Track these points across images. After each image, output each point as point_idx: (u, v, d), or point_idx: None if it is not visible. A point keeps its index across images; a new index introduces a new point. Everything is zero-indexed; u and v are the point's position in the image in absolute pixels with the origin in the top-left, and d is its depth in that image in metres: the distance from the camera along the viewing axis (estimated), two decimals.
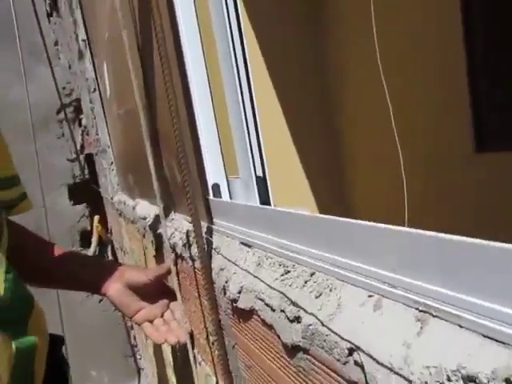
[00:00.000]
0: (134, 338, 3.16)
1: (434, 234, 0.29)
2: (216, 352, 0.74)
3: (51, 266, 0.89)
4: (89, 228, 2.78)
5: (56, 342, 0.79)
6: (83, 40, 1.80)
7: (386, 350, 0.30)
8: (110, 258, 2.87)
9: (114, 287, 0.88)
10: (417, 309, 0.30)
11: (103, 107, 1.77)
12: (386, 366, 0.30)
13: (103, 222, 2.77)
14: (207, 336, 0.79)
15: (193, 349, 0.95)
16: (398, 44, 1.08)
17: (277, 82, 0.97)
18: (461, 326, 0.27)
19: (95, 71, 1.73)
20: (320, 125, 0.99)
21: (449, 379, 0.25)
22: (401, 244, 0.32)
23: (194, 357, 0.96)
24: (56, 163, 2.53)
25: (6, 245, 0.70)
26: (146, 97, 0.92)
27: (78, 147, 2.62)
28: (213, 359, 0.78)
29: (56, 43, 2.49)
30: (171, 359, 1.41)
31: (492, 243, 0.25)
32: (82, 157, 2.66)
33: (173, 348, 1.34)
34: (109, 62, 1.40)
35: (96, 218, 2.76)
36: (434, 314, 0.29)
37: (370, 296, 0.35)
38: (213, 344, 0.77)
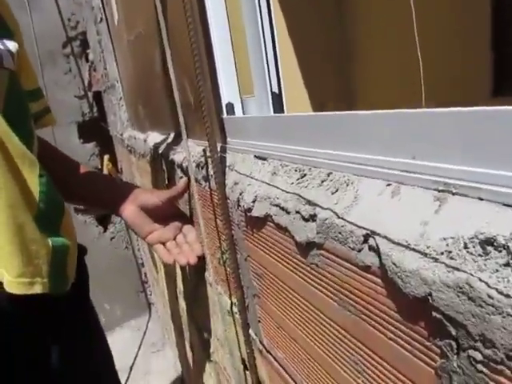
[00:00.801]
0: (145, 275, 3.27)
1: (451, 109, 0.29)
2: (228, 269, 0.77)
3: (74, 183, 0.91)
4: (99, 167, 2.80)
5: (80, 251, 0.82)
6: None
7: (402, 230, 0.31)
8: None
9: (128, 209, 0.90)
10: (436, 189, 0.30)
11: (111, 38, 1.72)
12: (401, 244, 0.30)
13: (113, 161, 2.79)
14: (221, 255, 0.81)
15: (205, 271, 0.98)
16: None
17: None
18: (480, 199, 0.27)
19: None
20: (337, 40, 0.96)
21: (466, 246, 0.26)
22: (420, 127, 0.31)
23: (206, 279, 0.99)
24: (65, 99, 2.51)
25: (36, 150, 0.72)
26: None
27: (86, 84, 2.58)
28: (227, 277, 0.81)
29: None
30: (182, 287, 1.47)
31: (507, 108, 0.25)
32: (90, 94, 2.62)
33: (183, 275, 1.39)
34: None
35: (106, 156, 2.77)
36: (454, 191, 0.29)
37: (387, 185, 0.35)
38: (225, 262, 0.79)
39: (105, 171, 2.75)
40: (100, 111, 2.71)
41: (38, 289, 0.66)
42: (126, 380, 2.49)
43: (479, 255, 0.25)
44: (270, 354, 0.67)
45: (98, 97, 2.65)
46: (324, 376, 0.49)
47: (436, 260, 0.27)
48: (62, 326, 0.82)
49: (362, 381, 0.40)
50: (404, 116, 0.33)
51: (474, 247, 0.25)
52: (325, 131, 0.44)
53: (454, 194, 0.29)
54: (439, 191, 0.30)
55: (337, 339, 0.44)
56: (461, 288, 0.25)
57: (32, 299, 0.66)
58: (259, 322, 0.68)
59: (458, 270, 0.26)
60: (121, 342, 2.89)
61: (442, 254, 0.27)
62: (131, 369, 2.63)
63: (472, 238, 0.26)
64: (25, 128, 0.71)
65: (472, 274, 0.25)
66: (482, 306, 0.24)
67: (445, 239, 0.27)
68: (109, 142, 2.73)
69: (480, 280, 0.24)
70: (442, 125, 0.30)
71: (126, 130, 2.03)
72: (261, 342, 0.70)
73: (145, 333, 3.08)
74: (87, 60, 2.53)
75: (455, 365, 0.27)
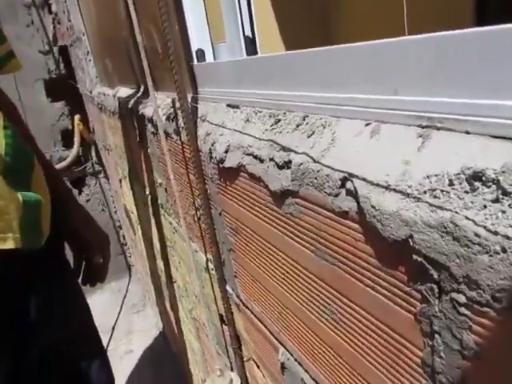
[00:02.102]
0: (123, 237, 3.24)
1: (432, 34, 0.26)
2: (203, 225, 0.75)
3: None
4: (70, 127, 2.69)
5: (54, 207, 0.80)
6: None
7: (381, 171, 0.29)
8: (94, 158, 2.83)
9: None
10: (419, 125, 0.28)
11: None
12: (380, 186, 0.28)
13: (84, 121, 2.68)
14: (195, 211, 0.78)
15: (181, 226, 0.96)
16: None
17: None
18: (467, 132, 0.25)
19: None
20: None
21: (451, 183, 0.24)
22: (401, 57, 0.28)
23: (181, 236, 0.97)
24: (29, 55, 2.35)
25: None
26: None
27: (51, 38, 2.43)
28: (201, 233, 0.79)
29: None
30: (159, 247, 1.45)
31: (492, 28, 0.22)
32: (55, 49, 2.47)
33: (160, 237, 1.37)
34: None
35: (77, 116, 2.65)
36: (439, 125, 0.26)
37: (367, 124, 0.32)
38: (199, 218, 0.77)
39: (76, 132, 2.65)
40: (68, 68, 2.56)
41: (10, 244, 0.64)
42: (109, 339, 2.51)
43: (466, 192, 0.23)
44: (247, 307, 0.66)
45: (64, 52, 2.50)
46: (300, 326, 0.48)
47: (418, 200, 0.25)
48: (37, 280, 0.82)
49: (340, 330, 0.39)
50: (383, 47, 0.30)
51: (460, 184, 0.23)
52: (300, 71, 0.40)
53: (438, 128, 0.26)
54: (423, 127, 0.28)
55: (313, 289, 0.42)
56: (445, 227, 0.23)
57: (6, 254, 0.63)
58: (235, 276, 0.67)
59: (441, 208, 0.24)
60: (102, 304, 2.89)
61: (425, 192, 0.25)
62: (113, 329, 2.65)
63: (458, 173, 0.23)
64: None
65: (457, 212, 0.23)
66: (467, 246, 0.22)
67: (428, 177, 0.25)
68: (79, 101, 2.60)
69: (466, 218, 0.22)
70: (424, 52, 0.27)
71: (95, 87, 1.93)
72: (237, 297, 0.69)
73: (125, 295, 3.09)
74: (50, 11, 2.36)
75: (436, 309, 0.26)
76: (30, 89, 2.44)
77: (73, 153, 2.72)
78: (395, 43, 0.29)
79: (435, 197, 0.24)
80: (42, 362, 0.84)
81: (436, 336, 0.27)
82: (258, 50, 0.64)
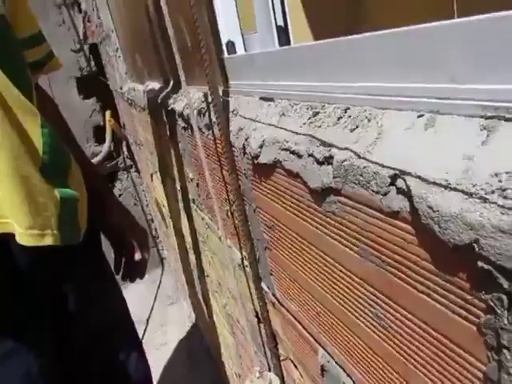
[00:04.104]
0: (155, 230, 3.29)
1: (498, 14, 0.23)
2: (237, 221, 0.73)
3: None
4: (102, 123, 2.73)
5: (91, 199, 0.81)
6: None
7: (439, 168, 0.26)
8: (126, 153, 2.86)
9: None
10: (482, 116, 0.25)
11: None
12: (439, 185, 0.26)
13: (115, 117, 2.72)
14: (229, 207, 0.77)
15: (213, 223, 0.95)
16: None
17: None
18: None
19: None
20: None
21: None
22: (459, 40, 0.25)
23: (215, 232, 0.97)
24: (61, 54, 2.39)
25: (36, 100, 0.70)
26: None
27: (81, 36, 2.46)
28: (236, 230, 0.78)
29: None
30: (190, 241, 1.45)
31: None
32: (86, 47, 2.51)
33: (192, 232, 1.37)
34: None
35: (108, 112, 2.69)
36: (507, 116, 0.23)
37: (419, 116, 0.29)
38: (232, 214, 0.76)
39: (107, 128, 2.69)
40: (98, 65, 2.60)
41: (48, 241, 0.65)
42: (144, 331, 2.55)
43: None
44: (283, 306, 0.64)
45: (94, 50, 2.53)
46: (342, 329, 0.46)
47: (485, 200, 0.23)
48: (76, 273, 0.84)
49: (388, 336, 0.37)
50: (436, 30, 0.27)
51: None
52: (339, 61, 0.38)
53: (506, 119, 0.24)
54: (487, 118, 0.25)
55: (357, 292, 0.40)
56: None
57: (45, 249, 0.65)
58: (271, 274, 0.65)
59: None
60: (136, 296, 2.94)
61: (493, 192, 0.22)
62: (148, 321, 2.69)
63: None
64: (22, 78, 0.68)
65: None
66: None
67: (497, 175, 0.22)
68: (110, 97, 2.64)
69: None
70: (487, 33, 0.24)
71: (125, 83, 1.95)
72: (273, 295, 0.68)
73: (159, 286, 3.13)
74: (80, 10, 2.39)
75: (505, 321, 0.23)
76: (63, 86, 2.49)
77: (105, 148, 2.77)
78: (448, 26, 0.26)
79: (506, 197, 0.22)
80: (82, 350, 0.86)
81: (504, 351, 0.24)
82: (292, 40, 0.62)
